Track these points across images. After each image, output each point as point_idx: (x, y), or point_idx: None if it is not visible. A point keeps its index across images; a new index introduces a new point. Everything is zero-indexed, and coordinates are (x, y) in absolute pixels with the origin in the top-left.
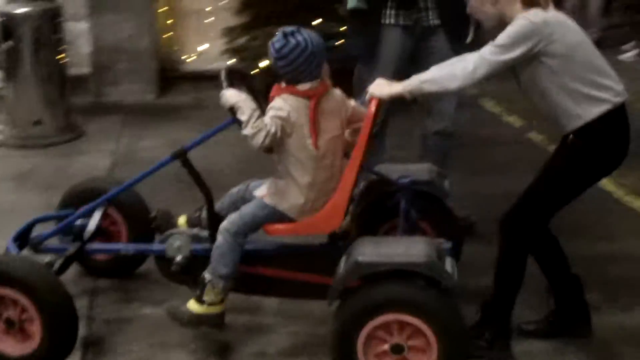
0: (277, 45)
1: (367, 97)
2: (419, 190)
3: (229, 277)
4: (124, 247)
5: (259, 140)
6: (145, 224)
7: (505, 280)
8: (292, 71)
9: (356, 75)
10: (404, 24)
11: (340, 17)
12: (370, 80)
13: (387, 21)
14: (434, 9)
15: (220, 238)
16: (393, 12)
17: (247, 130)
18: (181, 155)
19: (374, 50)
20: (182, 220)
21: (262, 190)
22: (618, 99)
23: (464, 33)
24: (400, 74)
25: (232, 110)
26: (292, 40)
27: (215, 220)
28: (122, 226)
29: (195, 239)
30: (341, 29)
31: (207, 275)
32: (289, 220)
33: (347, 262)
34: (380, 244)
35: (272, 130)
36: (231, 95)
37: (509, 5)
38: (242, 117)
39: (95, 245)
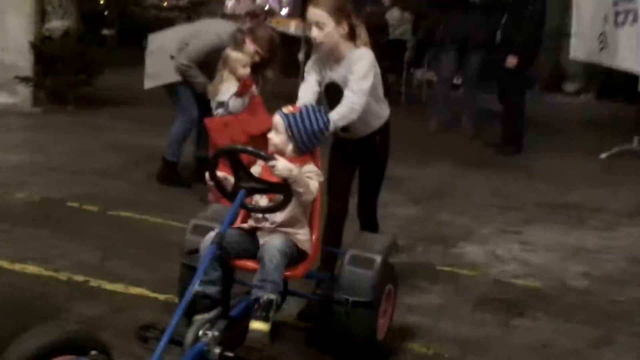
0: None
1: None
2: None
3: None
4: None
5: (309, 200)
6: None
7: None
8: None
9: None
10: None
11: None
12: None
13: None
14: None
15: (279, 257)
16: None
17: (308, 197)
18: (221, 240)
19: None
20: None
21: (278, 238)
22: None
23: None
24: None
25: (286, 181)
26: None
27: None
28: None
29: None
30: None
31: (270, 296)
32: (307, 258)
33: None
34: None
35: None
36: (285, 167)
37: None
38: (299, 188)
39: None
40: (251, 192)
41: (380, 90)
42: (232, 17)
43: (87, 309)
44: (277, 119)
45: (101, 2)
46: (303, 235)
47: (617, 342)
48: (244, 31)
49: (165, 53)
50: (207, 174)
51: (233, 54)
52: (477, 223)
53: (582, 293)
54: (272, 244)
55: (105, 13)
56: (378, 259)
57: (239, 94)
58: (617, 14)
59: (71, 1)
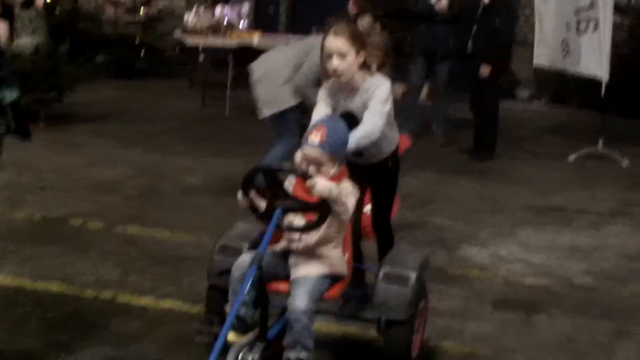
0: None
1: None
2: None
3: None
4: None
5: (346, 219)
6: None
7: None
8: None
9: None
10: None
11: None
12: None
13: None
14: None
15: (304, 319)
16: None
17: (346, 216)
18: (260, 260)
19: None
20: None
21: (308, 269)
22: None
23: None
24: None
25: (324, 201)
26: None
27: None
28: None
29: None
30: None
31: (300, 356)
32: (342, 277)
33: None
34: None
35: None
36: (325, 187)
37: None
38: (338, 207)
39: None
40: (287, 211)
41: (392, 116)
42: (193, 31)
43: (123, 325)
44: (316, 152)
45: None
46: (337, 258)
47: (634, 334)
48: None
49: (276, 78)
50: (239, 194)
51: None
52: (473, 227)
53: (589, 290)
54: (295, 305)
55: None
56: (413, 275)
57: None
58: (578, 22)
59: (40, 17)
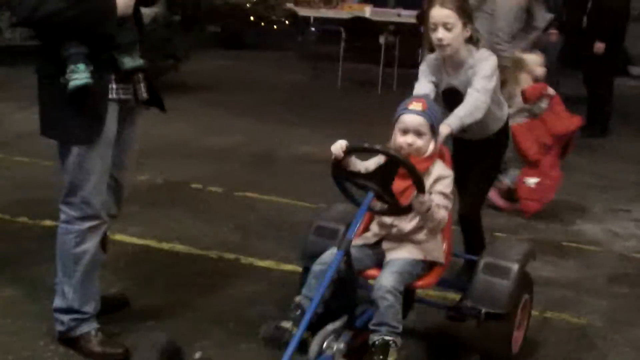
0: None
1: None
2: None
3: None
4: None
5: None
6: None
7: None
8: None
9: None
10: None
11: None
12: None
13: None
14: None
15: (390, 297)
16: None
17: (435, 228)
18: (348, 245)
19: None
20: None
21: (401, 252)
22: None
23: None
24: None
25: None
26: None
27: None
28: None
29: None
30: None
31: (386, 338)
32: (439, 265)
33: None
34: None
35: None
36: (426, 206)
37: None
38: (428, 222)
39: None
40: (379, 198)
41: (499, 92)
42: (305, 3)
43: (247, 285)
44: (419, 119)
45: None
46: (432, 244)
47: None
48: None
49: None
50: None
51: (528, 56)
52: (586, 202)
53: None
54: (381, 283)
55: None
56: (515, 267)
57: (538, 96)
58: None
59: None
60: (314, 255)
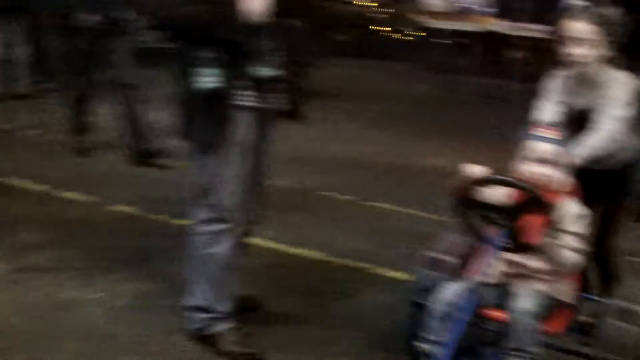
0: None
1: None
2: None
3: None
4: None
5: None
6: None
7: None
8: None
9: None
10: None
11: None
12: None
13: None
14: None
15: (527, 318)
16: None
17: (560, 268)
18: (479, 288)
19: None
20: None
21: (531, 285)
22: None
23: None
24: None
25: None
26: None
27: None
28: None
29: None
30: None
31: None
32: (568, 307)
33: None
34: None
35: None
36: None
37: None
38: (551, 263)
39: None
40: (511, 236)
41: (634, 120)
42: (438, 14)
43: (378, 294)
44: (557, 149)
45: None
46: (562, 285)
47: None
48: None
49: None
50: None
51: None
52: None
53: None
54: (518, 305)
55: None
56: None
57: None
58: None
59: None
60: (426, 290)
